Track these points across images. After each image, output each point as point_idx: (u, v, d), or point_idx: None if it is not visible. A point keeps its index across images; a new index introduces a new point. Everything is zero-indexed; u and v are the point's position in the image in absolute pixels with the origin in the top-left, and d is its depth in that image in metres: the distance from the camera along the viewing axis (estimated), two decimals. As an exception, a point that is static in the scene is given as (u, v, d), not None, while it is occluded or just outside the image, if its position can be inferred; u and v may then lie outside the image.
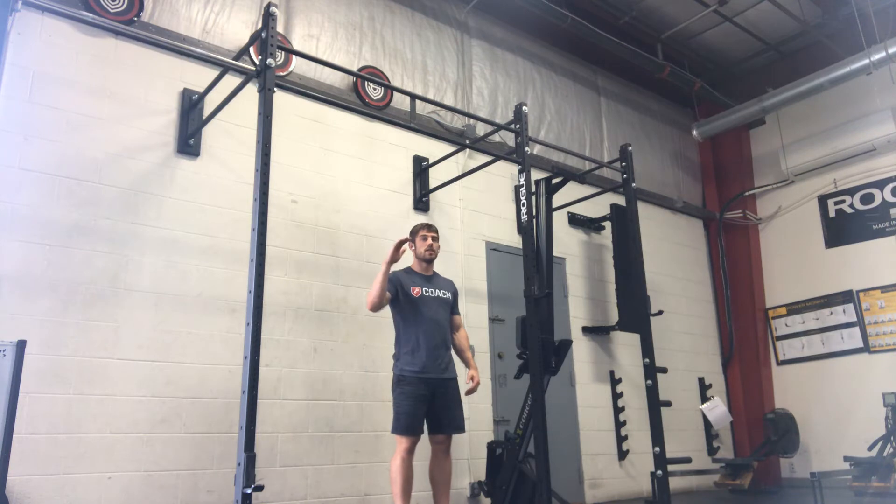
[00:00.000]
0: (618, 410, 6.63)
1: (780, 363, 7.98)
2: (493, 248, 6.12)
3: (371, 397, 4.92)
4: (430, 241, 4.34)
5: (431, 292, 4.27)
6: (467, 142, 5.80)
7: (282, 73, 5.04)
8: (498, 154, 5.50)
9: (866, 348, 7.27)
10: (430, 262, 4.37)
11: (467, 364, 4.36)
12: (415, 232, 4.42)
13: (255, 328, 3.18)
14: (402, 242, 4.11)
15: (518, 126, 4.83)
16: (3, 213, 3.79)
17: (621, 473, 6.48)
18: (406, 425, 3.98)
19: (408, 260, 4.46)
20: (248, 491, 2.94)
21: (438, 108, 5.93)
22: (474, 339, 5.41)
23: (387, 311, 4.40)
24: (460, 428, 4.18)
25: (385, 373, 4.61)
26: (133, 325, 4.08)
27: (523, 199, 4.63)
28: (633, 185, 5.58)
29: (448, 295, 4.36)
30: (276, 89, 3.63)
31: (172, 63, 4.61)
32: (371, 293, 4.11)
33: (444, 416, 4.12)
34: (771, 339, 8.09)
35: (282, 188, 4.81)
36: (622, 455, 6.51)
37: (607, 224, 7.00)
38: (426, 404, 4.06)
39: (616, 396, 6.67)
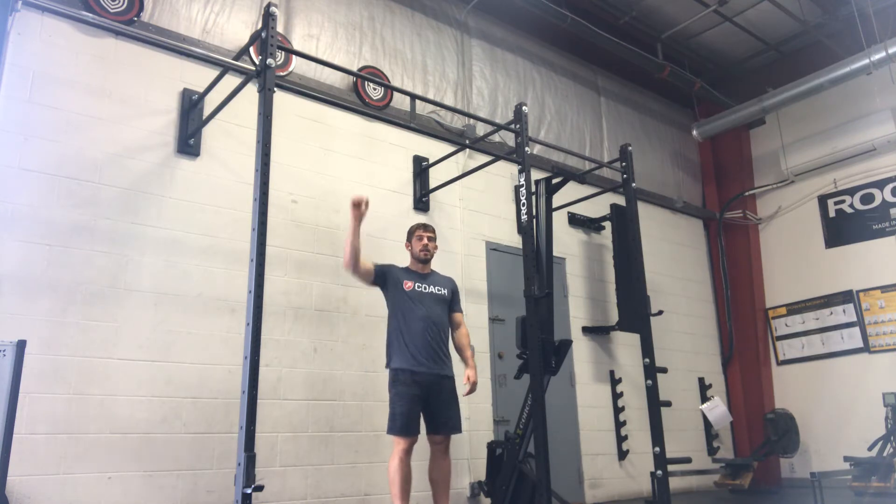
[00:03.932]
0: (618, 410, 6.63)
1: (780, 363, 7.98)
2: (493, 248, 6.12)
3: (371, 397, 4.93)
4: (425, 240, 4.35)
5: (425, 288, 4.26)
6: (467, 142, 5.80)
7: (282, 73, 5.04)
8: (498, 154, 5.50)
9: (866, 348, 7.27)
10: (425, 261, 4.37)
11: (466, 363, 4.32)
12: (411, 232, 4.44)
13: (255, 328, 3.18)
14: (358, 201, 4.05)
15: (518, 126, 4.83)
16: (3, 213, 3.79)
17: (621, 473, 6.48)
18: (401, 426, 3.97)
19: (406, 260, 4.47)
20: (248, 491, 2.94)
21: (438, 108, 5.93)
22: (474, 339, 5.39)
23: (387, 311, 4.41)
24: (456, 429, 4.16)
25: (385, 373, 4.59)
26: (133, 325, 4.08)
27: (523, 199, 4.63)
28: (633, 185, 5.58)
29: (444, 292, 4.34)
30: (276, 89, 3.63)
31: (172, 63, 4.61)
32: (344, 253, 4.10)
33: (440, 416, 4.11)
34: (771, 339, 8.09)
35: (282, 188, 4.81)
36: (622, 455, 6.51)
37: (607, 224, 7.00)
38: (421, 404, 4.05)
39: (616, 396, 6.67)
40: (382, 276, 4.26)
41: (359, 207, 4.05)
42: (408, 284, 4.22)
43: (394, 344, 4.16)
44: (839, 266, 7.59)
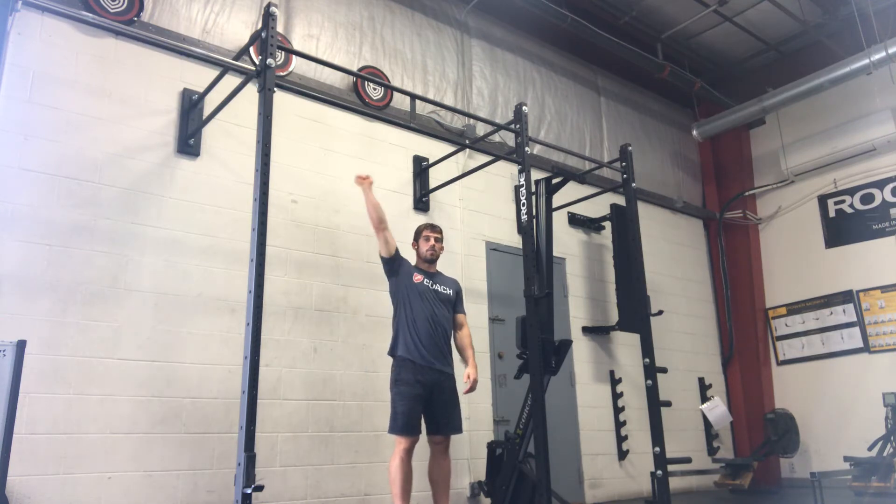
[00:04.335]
0: (618, 410, 6.63)
1: (780, 363, 7.98)
2: (493, 248, 6.12)
3: (371, 397, 4.93)
4: (432, 241, 4.38)
5: (431, 285, 4.31)
6: (467, 142, 5.80)
7: (282, 73, 5.04)
8: (498, 154, 5.50)
9: (866, 348, 7.27)
10: (432, 262, 4.41)
11: (467, 362, 4.35)
12: (418, 232, 4.47)
13: (255, 328, 3.18)
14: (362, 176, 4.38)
15: (518, 126, 4.82)
16: (3, 213, 3.79)
17: (621, 473, 6.48)
18: (403, 425, 3.98)
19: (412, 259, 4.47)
20: (248, 491, 2.94)
21: (438, 108, 5.93)
22: (474, 339, 5.40)
23: (388, 310, 4.41)
24: (458, 429, 4.18)
25: (385, 372, 4.61)
26: (133, 325, 4.08)
27: (523, 199, 4.63)
28: (633, 185, 5.58)
29: (450, 292, 4.39)
30: (276, 89, 3.63)
31: (172, 63, 4.61)
32: (370, 217, 4.33)
33: (442, 416, 4.12)
34: (771, 339, 8.09)
35: (282, 188, 4.81)
36: (622, 455, 6.51)
37: (607, 224, 7.00)
38: (423, 404, 4.07)
39: (616, 396, 6.67)
40: (399, 260, 4.32)
41: (364, 179, 4.33)
42: (417, 277, 4.28)
43: (400, 334, 4.18)
44: (839, 266, 7.59)
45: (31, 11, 4.11)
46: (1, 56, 3.99)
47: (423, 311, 4.17)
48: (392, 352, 4.21)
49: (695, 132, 8.35)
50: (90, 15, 4.27)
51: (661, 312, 6.56)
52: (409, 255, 4.48)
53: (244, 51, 4.37)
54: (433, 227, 4.46)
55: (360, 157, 5.41)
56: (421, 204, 5.67)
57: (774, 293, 8.14)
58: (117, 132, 4.29)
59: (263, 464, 4.20)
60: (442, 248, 4.47)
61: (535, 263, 4.63)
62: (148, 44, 4.47)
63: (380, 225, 4.26)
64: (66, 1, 4.22)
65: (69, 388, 3.80)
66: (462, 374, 4.29)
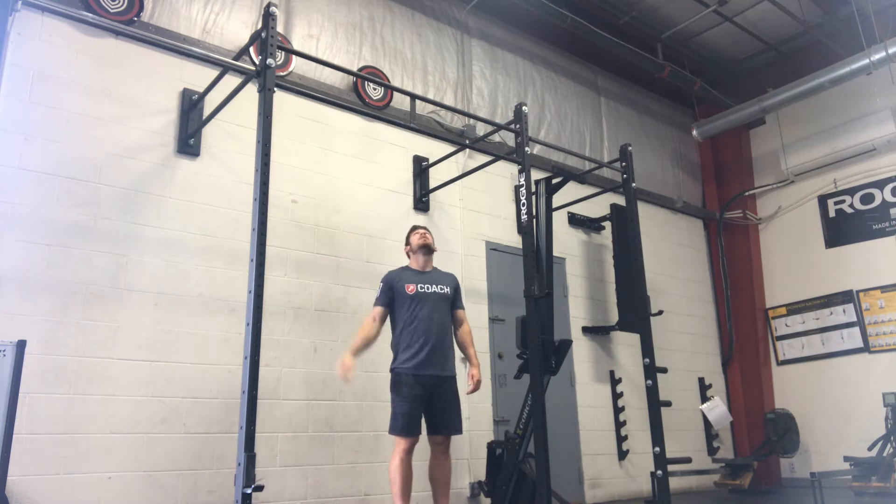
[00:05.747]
0: (618, 410, 6.63)
1: (780, 363, 7.98)
2: (493, 248, 6.12)
3: (371, 397, 4.93)
4: (421, 231, 4.41)
5: (427, 288, 4.21)
6: (467, 142, 5.79)
7: (282, 73, 5.04)
8: (498, 154, 5.50)
9: (866, 348, 7.27)
10: (427, 253, 4.35)
11: (469, 360, 4.31)
12: (408, 235, 4.48)
13: (255, 328, 3.18)
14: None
15: (518, 126, 4.82)
16: (3, 213, 3.79)
17: (621, 473, 6.48)
18: (402, 426, 3.96)
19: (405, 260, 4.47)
20: (248, 491, 2.94)
21: (438, 108, 5.93)
22: (474, 339, 5.40)
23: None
24: (457, 430, 4.14)
25: (385, 373, 4.61)
26: (133, 325, 4.08)
27: (523, 199, 4.63)
28: (633, 185, 5.58)
29: (447, 290, 4.30)
30: (276, 89, 3.63)
31: (172, 63, 4.61)
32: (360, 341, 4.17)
33: (442, 417, 4.10)
34: (771, 339, 8.09)
35: (282, 188, 4.81)
36: (622, 455, 6.51)
37: (607, 224, 7.00)
38: (423, 404, 4.05)
39: (616, 396, 6.67)
40: (390, 302, 4.22)
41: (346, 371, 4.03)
42: (410, 287, 4.18)
43: (399, 345, 4.15)
44: (839, 266, 7.58)
45: (31, 11, 4.11)
46: (1, 56, 4.00)
47: (421, 318, 4.11)
48: (392, 364, 4.18)
49: (695, 132, 8.35)
50: (90, 15, 4.27)
51: (661, 312, 6.56)
52: (404, 259, 4.49)
53: (244, 51, 4.37)
54: (418, 225, 4.52)
55: (360, 156, 5.41)
56: (421, 204, 5.67)
57: (774, 293, 8.14)
58: (117, 132, 4.29)
59: (263, 464, 4.21)
60: (433, 238, 4.44)
61: (535, 263, 4.62)
62: (148, 44, 4.47)
63: (372, 341, 4.18)
64: (66, 1, 4.22)
65: (69, 388, 3.80)
66: (463, 375, 4.28)
